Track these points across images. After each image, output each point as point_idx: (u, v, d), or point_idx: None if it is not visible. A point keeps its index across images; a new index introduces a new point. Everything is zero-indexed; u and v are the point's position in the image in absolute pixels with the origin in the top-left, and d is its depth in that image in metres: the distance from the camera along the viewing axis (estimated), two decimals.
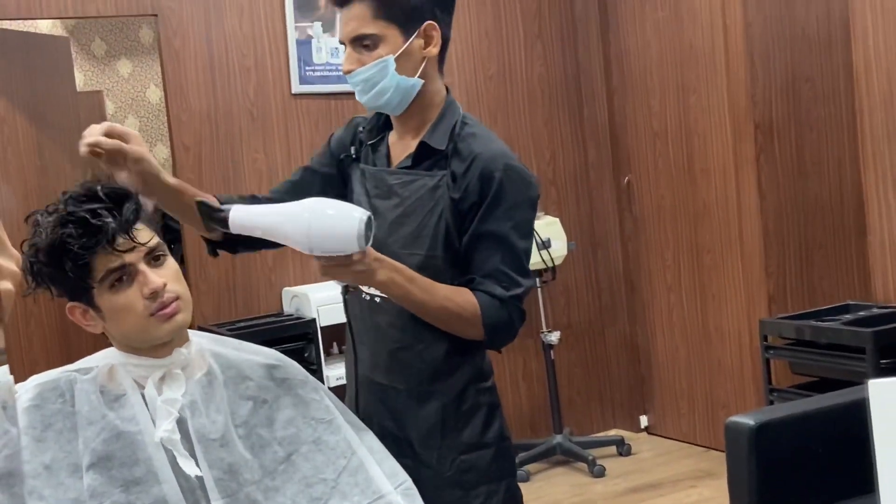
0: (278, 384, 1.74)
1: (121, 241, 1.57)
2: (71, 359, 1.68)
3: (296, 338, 4.02)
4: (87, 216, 1.55)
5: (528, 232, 1.99)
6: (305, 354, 4.02)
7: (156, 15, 4.12)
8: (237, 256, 2.18)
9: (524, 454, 4.61)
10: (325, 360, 4.12)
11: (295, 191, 2.07)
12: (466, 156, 1.90)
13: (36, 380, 1.63)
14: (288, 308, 4.27)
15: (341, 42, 1.93)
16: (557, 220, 4.72)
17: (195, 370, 1.67)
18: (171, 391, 1.62)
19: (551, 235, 4.61)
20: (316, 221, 1.65)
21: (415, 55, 1.90)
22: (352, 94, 4.83)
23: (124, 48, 6.24)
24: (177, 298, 1.61)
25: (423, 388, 1.93)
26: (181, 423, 1.61)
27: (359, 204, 1.90)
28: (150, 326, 1.60)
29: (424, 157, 1.94)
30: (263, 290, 4.30)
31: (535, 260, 4.58)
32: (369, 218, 1.66)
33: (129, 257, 1.58)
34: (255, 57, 4.27)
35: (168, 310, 1.60)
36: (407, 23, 1.87)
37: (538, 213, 4.63)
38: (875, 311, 3.57)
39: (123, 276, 1.59)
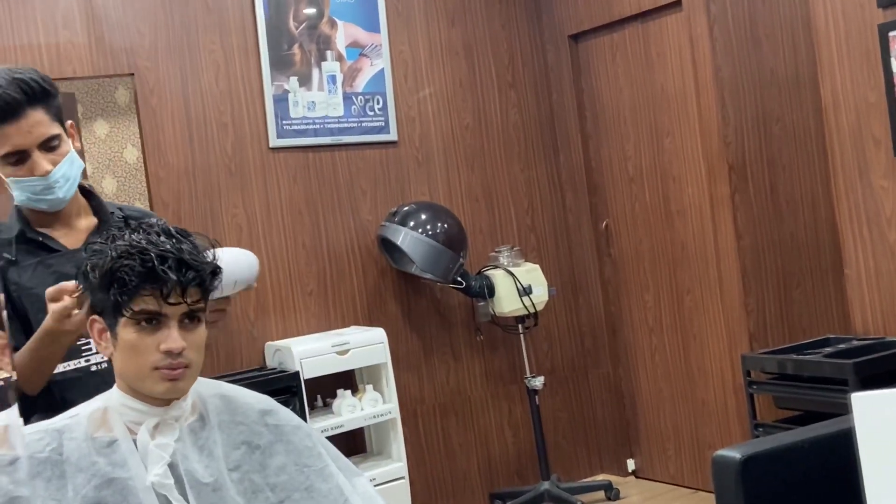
0: (271, 430, 1.74)
1: (172, 293, 1.58)
2: None
3: (279, 391, 4.00)
4: (155, 262, 1.56)
5: None
6: (290, 408, 3.98)
7: (132, 74, 4.16)
8: None
9: (512, 502, 4.59)
10: (310, 413, 4.10)
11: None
12: (139, 217, 2.20)
13: (25, 430, 1.62)
14: (271, 362, 4.25)
15: (16, 152, 2.03)
16: (537, 266, 4.74)
17: (189, 416, 1.68)
18: (163, 437, 1.62)
19: (532, 282, 4.63)
20: (245, 261, 1.96)
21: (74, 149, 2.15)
22: (330, 146, 4.86)
23: (101, 110, 6.25)
24: (186, 366, 1.61)
25: None
26: (173, 468, 1.60)
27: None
28: (149, 378, 1.60)
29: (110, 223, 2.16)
30: (245, 344, 4.28)
31: (517, 306, 4.60)
32: None
33: (168, 309, 1.58)
34: (231, 113, 4.30)
35: (173, 373, 1.60)
36: (62, 122, 2.11)
37: (518, 261, 4.70)
38: (855, 342, 3.60)
39: (153, 321, 1.59)
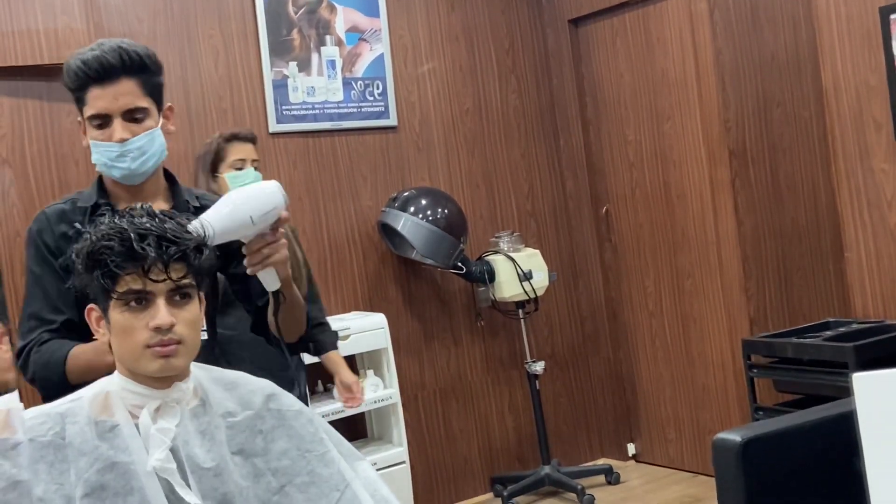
0: (273, 415, 1.74)
1: (153, 269, 1.59)
2: None
3: None
4: (134, 239, 1.57)
5: None
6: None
7: None
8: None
9: (513, 486, 4.60)
10: (311, 398, 4.11)
11: (67, 305, 2.11)
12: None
13: (26, 414, 1.62)
14: None
15: (100, 115, 2.08)
16: (538, 251, 4.75)
17: (190, 400, 1.68)
18: (165, 421, 1.62)
19: (532, 267, 4.64)
20: (254, 193, 1.87)
21: (162, 129, 2.17)
22: (330, 131, 4.83)
23: None
24: (179, 342, 1.61)
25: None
26: (175, 452, 1.60)
27: None
28: (142, 358, 1.60)
29: (182, 212, 2.17)
30: None
31: (518, 291, 4.60)
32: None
33: (152, 286, 1.59)
34: (231, 98, 4.29)
35: (165, 350, 1.60)
36: (159, 101, 2.15)
37: (519, 246, 4.69)
38: (855, 326, 3.61)
39: (142, 300, 1.60)
